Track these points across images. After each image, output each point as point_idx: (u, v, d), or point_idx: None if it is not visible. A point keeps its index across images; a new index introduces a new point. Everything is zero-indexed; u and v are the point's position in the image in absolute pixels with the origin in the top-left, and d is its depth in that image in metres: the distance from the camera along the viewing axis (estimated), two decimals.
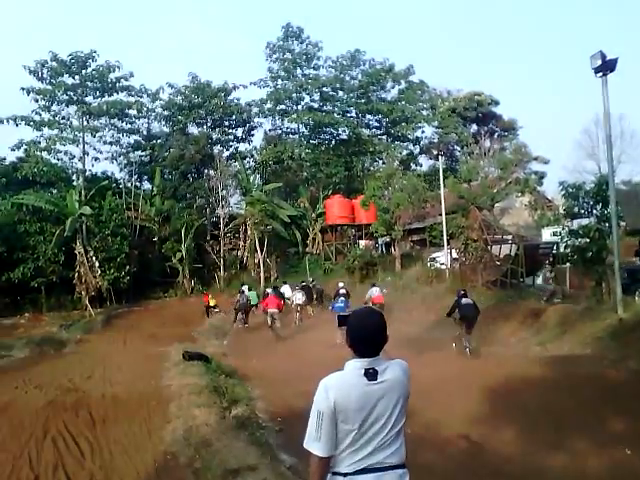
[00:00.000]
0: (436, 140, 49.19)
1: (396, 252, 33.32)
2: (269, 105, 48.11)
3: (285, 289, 28.29)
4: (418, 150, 51.42)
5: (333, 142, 49.68)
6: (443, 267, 27.84)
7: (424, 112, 49.59)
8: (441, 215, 28.83)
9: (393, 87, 50.17)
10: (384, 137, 50.81)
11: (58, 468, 7.69)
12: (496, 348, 15.86)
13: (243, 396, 10.34)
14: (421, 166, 49.80)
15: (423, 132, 50.90)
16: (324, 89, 47.72)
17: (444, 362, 13.94)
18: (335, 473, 2.98)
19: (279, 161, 45.23)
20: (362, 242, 39.69)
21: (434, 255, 31.00)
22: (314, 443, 2.93)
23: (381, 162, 47.80)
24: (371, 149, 47.98)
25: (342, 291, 23.91)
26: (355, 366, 3.02)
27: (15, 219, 36.01)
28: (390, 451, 2.99)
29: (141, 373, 11.82)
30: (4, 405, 9.88)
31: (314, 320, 24.58)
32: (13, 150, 41.90)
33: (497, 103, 50.13)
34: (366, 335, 3.04)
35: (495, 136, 42.84)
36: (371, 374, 2.99)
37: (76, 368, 13.94)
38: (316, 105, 48.24)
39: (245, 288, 26.95)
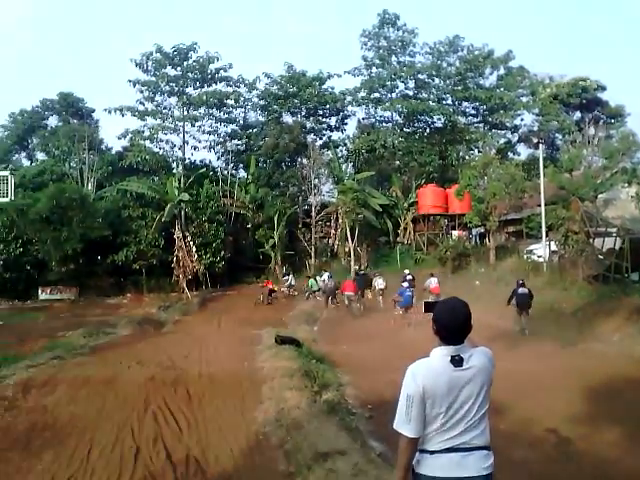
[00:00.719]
0: (536, 128, 47.16)
1: (490, 243, 32.31)
2: (363, 93, 47.86)
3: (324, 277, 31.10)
4: (516, 138, 49.62)
5: (427, 130, 48.86)
6: (540, 260, 26.73)
7: (524, 99, 47.69)
8: (540, 206, 27.66)
9: (492, 73, 48.54)
10: (481, 125, 49.38)
11: (158, 441, 8.04)
12: (595, 345, 15.06)
13: (333, 381, 10.39)
14: (519, 155, 47.98)
15: (522, 120, 48.99)
16: (419, 76, 46.93)
17: (539, 358, 13.40)
18: (423, 451, 3.17)
19: (372, 150, 45.00)
20: (455, 232, 38.81)
21: (531, 247, 29.85)
22: (404, 425, 3.11)
23: (477, 151, 46.46)
24: (467, 137, 46.77)
25: (408, 277, 26.22)
26: (442, 353, 3.18)
27: (120, 205, 38.10)
28: (476, 433, 3.15)
29: (235, 354, 12.16)
30: (110, 378, 10.45)
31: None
32: (119, 139, 44.41)
33: (604, 89, 47.33)
34: (453, 323, 3.19)
35: (600, 123, 40.43)
36: (457, 361, 3.14)
37: (174, 347, 14.56)
38: (411, 93, 47.51)
39: (326, 275, 30.73)
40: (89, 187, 40.57)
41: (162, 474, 6.99)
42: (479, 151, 44.86)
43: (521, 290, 17.75)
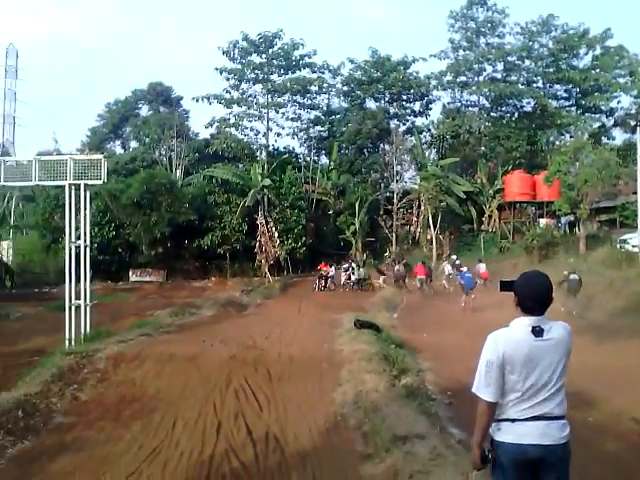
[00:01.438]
0: (634, 111, 44.43)
1: (580, 232, 30.94)
2: (449, 77, 46.70)
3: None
4: (612, 122, 46.88)
5: (516, 115, 47.03)
6: (636, 250, 25.32)
7: (621, 80, 44.95)
8: (635, 194, 26.17)
9: (587, 54, 45.91)
10: (573, 109, 47.03)
11: (239, 417, 8.23)
12: None
13: (413, 367, 10.26)
14: (614, 140, 45.40)
15: (619, 102, 46.13)
16: (509, 58, 45.22)
17: (634, 352, 12.68)
18: (503, 419, 3.30)
19: (456, 135, 43.98)
20: (542, 220, 37.40)
21: (625, 237, 28.37)
22: (483, 389, 3.27)
23: (568, 136, 44.43)
24: (558, 122, 44.66)
25: (457, 262, 29.49)
26: (523, 323, 3.30)
27: (206, 190, 39.23)
28: (555, 403, 3.26)
29: (314, 337, 12.26)
30: (194, 356, 10.80)
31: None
32: (207, 127, 45.62)
33: None
34: (535, 294, 3.31)
35: None
36: (538, 331, 3.25)
37: (256, 328, 14.86)
38: (499, 75, 45.88)
39: (346, 265, 32.37)
40: (177, 174, 42.04)
41: (242, 449, 7.15)
42: (571, 136, 42.89)
43: (572, 276, 19.68)
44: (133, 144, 52.35)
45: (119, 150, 53.42)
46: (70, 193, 12.18)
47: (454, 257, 31.44)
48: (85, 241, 12.28)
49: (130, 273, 37.17)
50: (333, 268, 32.29)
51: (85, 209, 12.25)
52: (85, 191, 12.29)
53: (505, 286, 3.53)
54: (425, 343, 14.40)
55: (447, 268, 29.22)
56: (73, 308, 12.29)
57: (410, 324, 18.83)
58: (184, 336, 13.46)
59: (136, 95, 53.21)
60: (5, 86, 64.02)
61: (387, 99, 47.38)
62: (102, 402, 8.97)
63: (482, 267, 26.82)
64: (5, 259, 37.63)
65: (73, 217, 12.22)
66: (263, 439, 7.45)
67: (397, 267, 30.25)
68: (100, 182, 12.57)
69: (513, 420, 3.25)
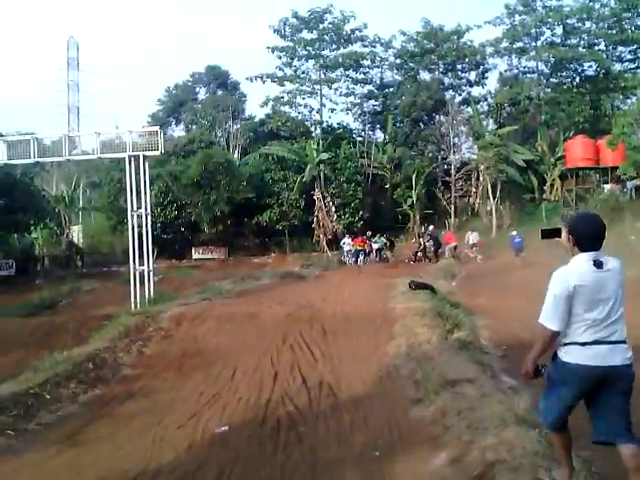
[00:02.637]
0: None
1: None
2: (505, 44, 45.22)
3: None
4: None
5: (577, 79, 45.25)
6: None
7: None
8: None
9: None
10: (639, 71, 44.91)
11: (294, 367, 8.55)
12: None
13: (467, 323, 10.29)
14: None
15: None
16: (568, 21, 43.41)
17: None
18: (572, 343, 3.61)
19: (515, 103, 42.72)
20: (607, 186, 36.04)
21: None
22: (551, 319, 3.58)
23: (635, 99, 42.44)
24: (623, 85, 42.62)
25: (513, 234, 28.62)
26: (585, 258, 3.60)
27: (262, 168, 39.82)
28: (618, 328, 3.58)
29: (370, 298, 12.46)
30: (252, 315, 11.22)
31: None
32: (262, 107, 46.14)
33: None
34: (592, 231, 3.63)
35: None
36: (598, 264, 3.57)
37: (313, 292, 15.19)
38: (558, 40, 44.20)
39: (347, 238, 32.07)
40: (235, 154, 42.75)
41: (297, 395, 7.45)
42: (638, 99, 40.98)
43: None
44: (192, 127, 53.43)
45: (179, 133, 54.71)
46: (130, 164, 12.72)
47: (472, 233, 30.69)
48: (146, 209, 12.82)
49: (193, 251, 38.32)
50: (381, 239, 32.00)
51: (145, 179, 12.75)
52: (144, 162, 12.79)
53: (547, 234, 4.02)
54: (483, 306, 14.31)
55: (472, 238, 29.72)
56: (137, 274, 12.90)
57: (469, 291, 18.68)
58: (243, 300, 13.94)
59: (194, 79, 54.17)
60: (68, 78, 66.28)
61: (441, 70, 46.60)
62: (166, 356, 9.48)
63: (475, 236, 29.37)
64: (75, 241, 39.53)
65: (134, 187, 12.75)
66: (317, 387, 7.72)
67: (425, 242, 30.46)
68: (158, 153, 13.06)
69: (582, 344, 3.56)
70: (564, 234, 3.87)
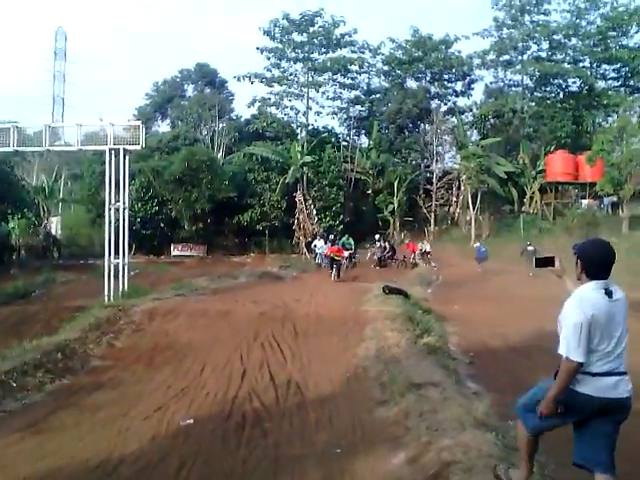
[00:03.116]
0: None
1: (624, 213, 30.30)
2: (492, 56, 45.91)
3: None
4: None
5: (561, 95, 45.95)
6: None
7: None
8: None
9: (637, 32, 44.49)
10: (622, 89, 45.72)
11: (263, 366, 8.61)
12: None
13: (437, 329, 10.43)
14: None
15: None
16: (554, 37, 44.17)
17: None
18: (585, 372, 3.53)
19: (499, 115, 43.26)
20: (585, 201, 36.71)
21: None
22: (574, 351, 3.46)
23: (616, 116, 43.20)
24: (605, 102, 43.44)
25: (477, 244, 30.20)
26: (594, 287, 3.52)
27: (246, 168, 39.81)
28: (622, 359, 3.57)
29: (343, 300, 12.56)
30: (225, 312, 11.26)
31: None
32: (248, 107, 46.16)
33: None
34: (603, 259, 3.57)
35: None
36: (609, 293, 3.51)
37: (288, 293, 15.24)
38: (544, 54, 44.97)
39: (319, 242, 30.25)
40: (219, 152, 42.66)
41: (264, 392, 7.52)
42: (618, 116, 41.74)
43: (529, 248, 24.57)
44: (178, 124, 53.20)
45: (165, 129, 54.45)
46: (110, 158, 12.70)
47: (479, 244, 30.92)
48: (124, 203, 12.81)
49: (172, 247, 38.09)
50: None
51: (125, 173, 12.74)
52: (124, 156, 12.79)
53: (540, 263, 4.00)
54: (455, 313, 14.50)
55: (425, 247, 30.22)
56: (112, 267, 12.88)
57: (443, 298, 18.85)
58: (218, 297, 13.97)
59: (182, 75, 53.96)
60: (55, 68, 65.57)
61: (428, 79, 47.10)
62: (136, 349, 9.49)
63: (428, 245, 30.40)
64: (54, 232, 39.17)
65: (113, 181, 12.74)
66: (285, 385, 7.80)
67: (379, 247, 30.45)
68: (139, 147, 13.06)
69: (593, 374, 3.52)
70: (557, 263, 3.97)
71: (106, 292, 13.03)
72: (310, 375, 8.24)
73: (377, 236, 32.36)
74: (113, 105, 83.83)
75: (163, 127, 54.86)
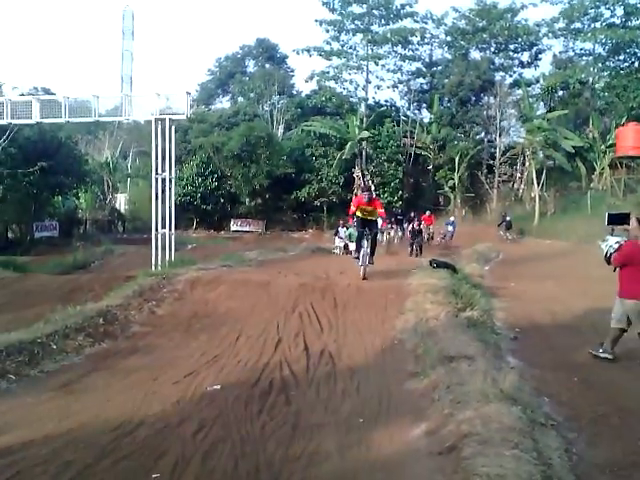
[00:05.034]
0: None
1: None
2: (561, 24, 43.62)
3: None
4: None
5: (636, 64, 43.38)
6: None
7: None
8: None
9: None
10: None
11: (299, 336, 8.55)
12: None
13: (482, 303, 10.06)
14: None
15: None
16: (629, 1, 41.51)
17: None
18: None
19: (568, 87, 41.28)
20: None
21: None
22: None
23: None
24: None
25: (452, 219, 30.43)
26: None
27: (304, 144, 39.74)
28: None
29: (388, 273, 12.30)
30: (266, 282, 11.24)
31: None
32: (306, 82, 45.87)
33: None
34: None
35: None
36: None
37: (333, 265, 15.09)
38: (617, 21, 42.33)
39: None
40: (279, 128, 42.75)
41: (296, 361, 7.46)
42: None
43: (507, 218, 24.75)
44: (239, 99, 53.61)
45: (226, 105, 54.95)
46: (156, 127, 12.87)
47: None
48: (170, 174, 12.96)
49: (231, 223, 38.72)
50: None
51: (170, 143, 12.89)
52: (170, 125, 12.93)
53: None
54: (510, 290, 14.01)
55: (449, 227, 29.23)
56: (160, 237, 13.12)
57: (501, 275, 18.29)
58: (262, 269, 14.00)
59: (244, 51, 54.20)
60: (123, 47, 67.25)
61: (492, 49, 45.34)
62: (176, 316, 9.63)
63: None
64: (119, 207, 40.51)
65: (159, 150, 12.91)
66: (318, 354, 7.72)
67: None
68: (183, 117, 13.21)
69: None
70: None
71: (153, 261, 13.31)
72: (345, 346, 8.13)
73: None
74: (177, 82, 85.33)
75: (225, 103, 55.49)
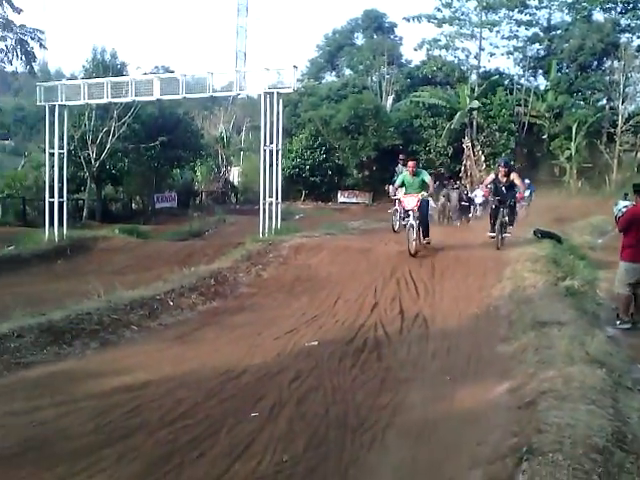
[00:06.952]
0: None
1: None
2: None
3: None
4: None
5: None
6: None
7: None
8: None
9: None
10: None
11: (395, 300, 8.85)
12: None
13: (585, 274, 9.84)
14: None
15: None
16: None
17: None
18: None
19: None
20: None
21: None
22: None
23: None
24: None
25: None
26: None
27: (412, 115, 39.33)
28: None
29: (488, 243, 12.17)
30: (367, 249, 11.60)
31: None
32: (415, 50, 45.09)
33: None
34: None
35: None
36: None
37: (436, 234, 15.09)
38: None
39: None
40: (388, 99, 42.49)
41: (391, 323, 7.79)
42: None
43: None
44: (347, 72, 53.69)
45: (335, 79, 55.18)
46: (265, 100, 13.45)
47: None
48: (277, 145, 13.53)
49: (339, 194, 39.27)
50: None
51: (278, 115, 13.45)
52: (278, 99, 13.47)
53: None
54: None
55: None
56: (267, 205, 13.82)
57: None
58: (364, 237, 14.33)
59: (351, 24, 54.08)
60: (237, 24, 69.21)
61: (619, 9, 42.08)
62: (280, 279, 10.24)
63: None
64: (234, 180, 42.34)
65: (267, 124, 13.51)
66: (412, 318, 8.00)
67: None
68: (290, 90, 13.71)
69: None
70: None
71: (260, 229, 14.05)
72: (440, 311, 8.33)
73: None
74: (288, 58, 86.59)
75: (334, 77, 55.72)
